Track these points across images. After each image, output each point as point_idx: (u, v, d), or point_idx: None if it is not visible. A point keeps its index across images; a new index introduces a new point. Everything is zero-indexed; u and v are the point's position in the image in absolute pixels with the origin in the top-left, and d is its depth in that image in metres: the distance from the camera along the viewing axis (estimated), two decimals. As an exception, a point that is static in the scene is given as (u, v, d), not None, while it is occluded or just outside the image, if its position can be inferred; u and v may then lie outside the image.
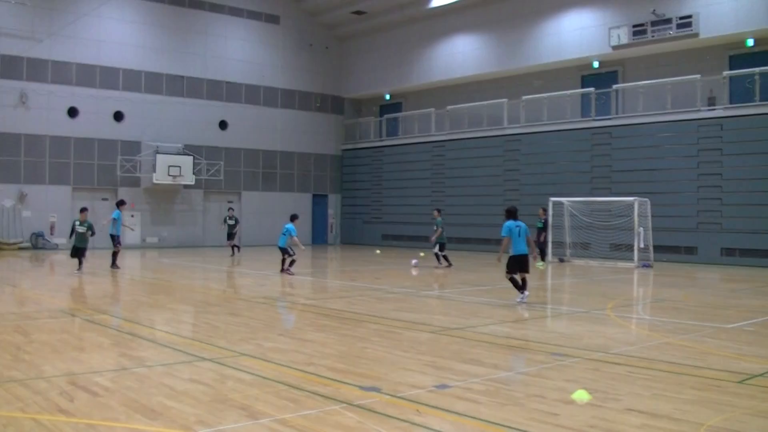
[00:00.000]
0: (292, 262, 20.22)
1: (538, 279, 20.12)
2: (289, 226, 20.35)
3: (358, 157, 39.81)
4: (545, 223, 24.43)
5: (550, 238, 25.00)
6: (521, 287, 13.86)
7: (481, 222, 32.47)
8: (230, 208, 26.82)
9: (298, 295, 15.31)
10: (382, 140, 38.85)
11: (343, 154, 40.72)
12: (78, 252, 20.08)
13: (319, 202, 39.74)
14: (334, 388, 7.03)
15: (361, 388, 7.04)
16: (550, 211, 26.01)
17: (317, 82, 39.38)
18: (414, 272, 20.71)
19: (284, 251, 20.31)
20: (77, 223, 20.15)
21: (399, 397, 6.71)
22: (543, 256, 23.83)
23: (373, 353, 8.84)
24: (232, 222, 26.89)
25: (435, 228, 23.01)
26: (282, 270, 20.14)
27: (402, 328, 10.89)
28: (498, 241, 17.58)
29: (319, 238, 39.09)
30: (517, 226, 13.79)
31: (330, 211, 40.31)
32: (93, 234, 20.19)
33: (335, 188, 40.57)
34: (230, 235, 26.46)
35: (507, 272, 13.92)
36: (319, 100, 39.49)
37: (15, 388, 6.89)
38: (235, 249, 27.41)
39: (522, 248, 13.75)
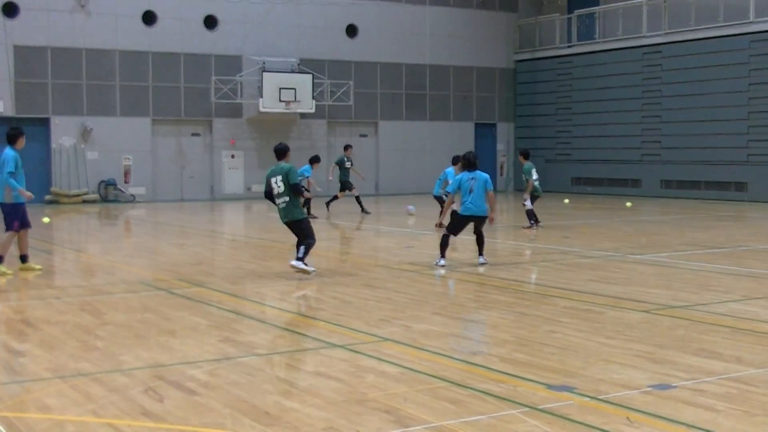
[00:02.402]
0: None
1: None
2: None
3: (537, 70, 39.30)
4: None
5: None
6: None
7: (715, 159, 31.39)
8: (348, 146, 27.13)
9: (458, 260, 15.36)
10: (571, 46, 38.11)
11: (516, 67, 40.30)
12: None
13: (484, 133, 39.62)
14: (511, 387, 7.02)
15: (549, 387, 7.01)
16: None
17: (479, -34, 39.06)
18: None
19: (441, 201, 20.50)
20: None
21: (601, 400, 6.62)
22: None
23: (563, 339, 8.77)
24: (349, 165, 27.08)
25: (525, 179, 22.03)
26: (437, 224, 20.31)
27: (603, 305, 10.73)
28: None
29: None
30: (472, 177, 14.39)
31: (500, 147, 40.10)
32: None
33: (507, 115, 40.28)
34: (347, 184, 26.77)
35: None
36: (483, -7, 39.16)
37: (85, 385, 7.27)
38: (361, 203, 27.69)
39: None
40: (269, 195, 13.20)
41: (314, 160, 24.55)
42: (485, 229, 14.82)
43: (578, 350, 8.29)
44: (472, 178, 14.44)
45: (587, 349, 8.35)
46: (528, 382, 7.13)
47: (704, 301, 11.00)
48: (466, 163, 14.76)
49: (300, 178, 23.62)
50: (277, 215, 13.45)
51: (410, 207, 26.10)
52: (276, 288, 12.44)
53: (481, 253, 14.73)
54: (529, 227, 20.87)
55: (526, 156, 22.24)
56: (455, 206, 15.26)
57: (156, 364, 7.91)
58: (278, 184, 12.98)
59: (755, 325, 9.49)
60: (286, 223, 13.20)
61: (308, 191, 21.47)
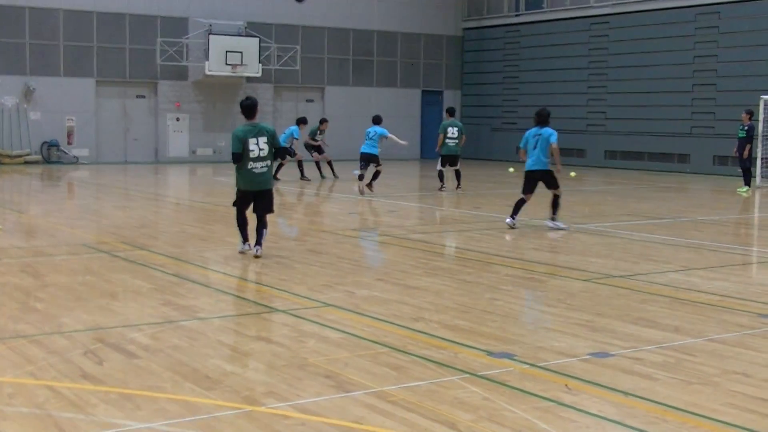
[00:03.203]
0: (376, 174, 21.27)
1: (741, 211, 19.51)
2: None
3: (485, 38, 39.27)
4: (750, 132, 23.52)
5: (759, 153, 24.18)
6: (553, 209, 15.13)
7: (659, 130, 31.73)
8: (324, 120, 27.16)
9: (403, 227, 15.41)
10: (519, 15, 38.10)
11: (464, 34, 40.24)
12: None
13: (431, 101, 39.61)
14: (452, 353, 7.06)
15: (489, 353, 7.06)
16: (761, 114, 25.03)
17: (429, -68, 38.87)
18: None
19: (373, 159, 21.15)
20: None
21: (540, 368, 6.68)
22: (747, 179, 23.11)
23: (505, 307, 8.84)
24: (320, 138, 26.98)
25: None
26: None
27: (545, 273, 10.84)
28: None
29: (430, 150, 38.99)
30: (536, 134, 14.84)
31: (445, 115, 40.10)
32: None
33: (454, 82, 40.29)
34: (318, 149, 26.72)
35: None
36: (432, -41, 38.99)
37: (24, 347, 7.20)
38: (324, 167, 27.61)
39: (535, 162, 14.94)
40: (239, 157, 11.33)
41: (301, 121, 24.64)
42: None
43: (519, 318, 8.37)
44: (539, 134, 14.80)
45: (528, 316, 8.43)
46: (469, 349, 7.18)
47: (644, 271, 11.14)
48: (538, 118, 14.99)
49: (289, 139, 23.95)
50: (228, 180, 13.19)
51: (356, 171, 25.92)
52: (219, 252, 12.38)
53: (552, 217, 15.12)
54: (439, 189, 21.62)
55: (451, 113, 22.84)
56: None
57: (97, 326, 7.84)
58: (261, 147, 11.30)
59: (694, 296, 9.63)
60: (256, 192, 11.53)
61: (296, 153, 21.76)
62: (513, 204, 15.09)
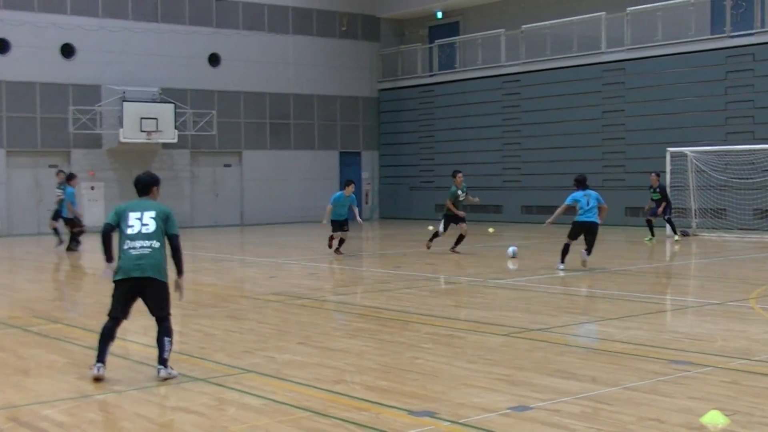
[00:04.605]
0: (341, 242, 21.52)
1: (649, 260, 19.95)
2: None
3: (401, 99, 39.77)
4: (663, 191, 24.20)
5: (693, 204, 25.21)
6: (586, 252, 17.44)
7: (572, 184, 32.26)
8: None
9: (323, 289, 15.40)
10: (433, 75, 38.69)
11: (380, 95, 40.70)
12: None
13: (349, 162, 39.84)
14: (374, 414, 7.06)
15: (411, 412, 7.07)
16: (668, 166, 25.76)
17: (342, -4, 39.44)
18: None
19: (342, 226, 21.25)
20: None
21: (462, 424, 6.71)
22: (652, 229, 23.95)
23: (426, 365, 8.87)
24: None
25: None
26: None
27: (465, 330, 10.90)
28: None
29: (349, 211, 39.20)
30: (585, 195, 17.55)
31: (364, 175, 40.38)
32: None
33: (371, 143, 40.62)
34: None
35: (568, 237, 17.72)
36: (346, 22, 39.47)
37: (-60, 423, 7.03)
38: None
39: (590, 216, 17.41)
40: (110, 230, 8.78)
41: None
42: None
43: (440, 375, 8.41)
44: (586, 195, 17.62)
45: (449, 374, 8.47)
46: (390, 409, 7.19)
47: (561, 324, 11.31)
48: (578, 183, 18.00)
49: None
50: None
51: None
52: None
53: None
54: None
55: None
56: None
57: (9, 405, 7.65)
58: (144, 222, 8.62)
59: (609, 345, 9.80)
60: (138, 282, 8.52)
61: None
62: (434, 263, 15.19)
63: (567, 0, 34.11)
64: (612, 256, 20.38)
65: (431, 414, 7.00)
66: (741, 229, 25.40)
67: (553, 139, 33.26)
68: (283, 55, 37.78)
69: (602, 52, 32.09)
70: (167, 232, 8.68)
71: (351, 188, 21.59)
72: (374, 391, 7.81)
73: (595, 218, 17.39)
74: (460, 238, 21.31)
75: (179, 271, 8.75)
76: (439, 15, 39.17)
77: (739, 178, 25.67)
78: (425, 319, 11.84)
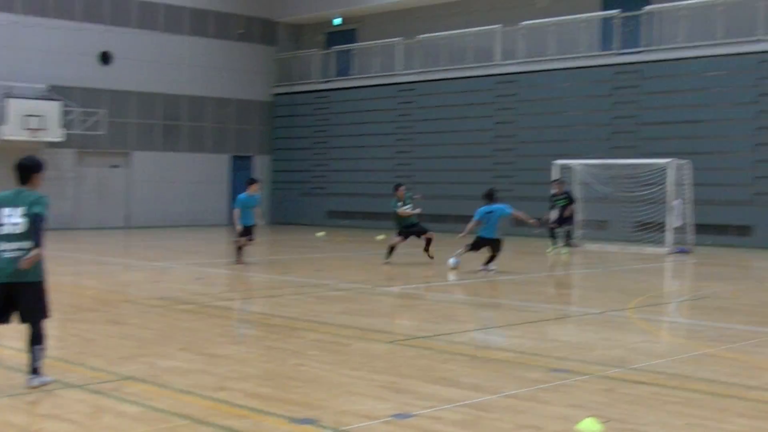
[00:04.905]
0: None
1: (538, 270, 20.29)
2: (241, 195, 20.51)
3: (296, 104, 39.63)
4: (569, 196, 24.49)
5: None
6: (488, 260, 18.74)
7: (463, 193, 32.60)
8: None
9: (209, 294, 15.23)
10: (329, 81, 38.70)
11: (275, 100, 40.50)
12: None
13: (241, 166, 39.50)
14: (255, 421, 7.00)
15: (292, 420, 7.03)
16: (553, 178, 26.24)
17: (238, -1, 39.14)
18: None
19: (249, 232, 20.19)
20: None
21: (344, 431, 6.74)
22: (566, 239, 24.07)
23: (310, 372, 8.83)
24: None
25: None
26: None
27: (350, 337, 10.90)
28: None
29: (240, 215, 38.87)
30: (489, 211, 18.67)
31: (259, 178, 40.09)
32: None
33: (264, 148, 40.37)
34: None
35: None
36: (243, 25, 39.18)
37: None
38: None
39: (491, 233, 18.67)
40: None
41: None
42: None
43: (323, 383, 8.38)
44: (491, 211, 18.74)
45: (332, 381, 8.45)
46: (271, 417, 7.13)
47: (447, 331, 11.39)
48: (484, 197, 19.14)
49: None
50: None
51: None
52: (14, 326, 11.85)
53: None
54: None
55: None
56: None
57: None
58: (14, 221, 7.91)
59: (492, 353, 9.93)
60: (7, 287, 7.95)
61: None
62: (322, 269, 15.18)
63: (463, 12, 34.54)
64: (502, 265, 20.64)
65: (312, 421, 6.97)
66: (622, 241, 26.01)
67: (445, 148, 33.57)
68: (177, 55, 37.29)
69: (496, 64, 32.57)
70: (30, 212, 7.89)
71: (255, 187, 20.43)
72: (256, 398, 7.74)
73: (494, 234, 18.70)
74: (428, 242, 20.68)
75: (36, 244, 7.85)
76: (337, 22, 39.21)
77: (622, 192, 26.28)
78: (311, 325, 11.81)
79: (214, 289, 15.98)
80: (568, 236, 24.32)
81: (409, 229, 20.69)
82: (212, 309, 13.52)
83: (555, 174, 26.28)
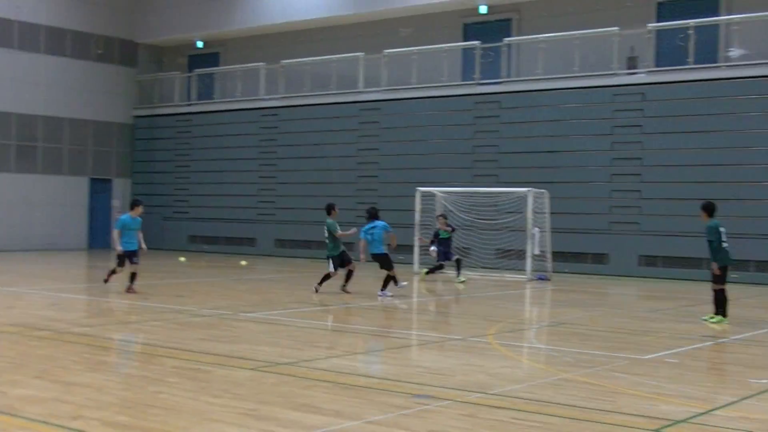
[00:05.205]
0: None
1: (398, 297, 20.43)
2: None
3: (157, 127, 39.15)
4: (453, 229, 24.74)
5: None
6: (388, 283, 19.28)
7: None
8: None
9: (65, 320, 14.80)
10: (191, 104, 38.43)
11: (135, 122, 39.85)
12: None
13: (99, 189, 38.66)
14: (110, 451, 6.85)
15: (150, 449, 6.90)
16: (417, 205, 26.57)
17: (99, 18, 38.35)
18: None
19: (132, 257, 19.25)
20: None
21: (202, 461, 6.63)
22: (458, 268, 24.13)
23: (169, 400, 8.68)
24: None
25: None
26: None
27: (212, 364, 10.77)
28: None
29: (98, 239, 38.01)
30: (372, 227, 19.42)
31: (115, 203, 39.25)
32: None
33: (124, 170, 39.61)
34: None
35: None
36: (102, 45, 38.47)
37: None
38: None
39: (377, 248, 19.40)
40: None
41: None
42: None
43: (184, 410, 8.25)
44: (373, 227, 19.40)
45: (193, 408, 8.32)
46: (129, 446, 6.99)
47: (309, 358, 11.38)
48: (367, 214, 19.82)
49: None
50: None
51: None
52: None
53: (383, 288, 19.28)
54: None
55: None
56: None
57: None
58: None
59: (354, 379, 9.95)
60: None
61: None
62: (184, 294, 14.96)
63: (327, 38, 34.78)
64: (360, 291, 20.74)
65: (172, 450, 6.86)
66: (484, 268, 26.50)
67: (308, 174, 33.65)
68: (33, 74, 36.28)
69: (359, 91, 32.88)
70: None
71: (139, 210, 19.53)
72: (113, 427, 7.55)
73: (380, 249, 19.44)
74: (349, 275, 20.00)
75: None
76: (200, 44, 38.95)
77: (484, 219, 26.80)
78: (171, 352, 11.62)
79: (70, 316, 15.54)
80: (458, 265, 24.23)
81: (341, 256, 19.95)
82: (68, 335, 13.15)
83: (418, 202, 26.60)
